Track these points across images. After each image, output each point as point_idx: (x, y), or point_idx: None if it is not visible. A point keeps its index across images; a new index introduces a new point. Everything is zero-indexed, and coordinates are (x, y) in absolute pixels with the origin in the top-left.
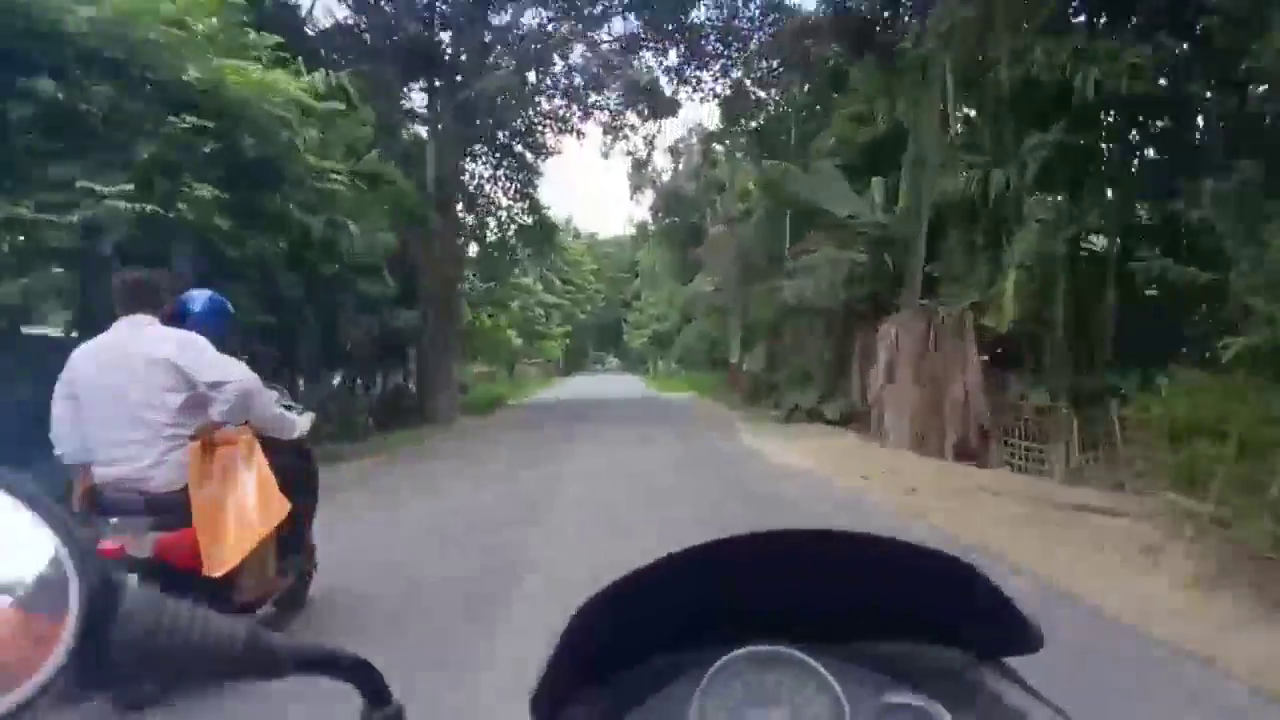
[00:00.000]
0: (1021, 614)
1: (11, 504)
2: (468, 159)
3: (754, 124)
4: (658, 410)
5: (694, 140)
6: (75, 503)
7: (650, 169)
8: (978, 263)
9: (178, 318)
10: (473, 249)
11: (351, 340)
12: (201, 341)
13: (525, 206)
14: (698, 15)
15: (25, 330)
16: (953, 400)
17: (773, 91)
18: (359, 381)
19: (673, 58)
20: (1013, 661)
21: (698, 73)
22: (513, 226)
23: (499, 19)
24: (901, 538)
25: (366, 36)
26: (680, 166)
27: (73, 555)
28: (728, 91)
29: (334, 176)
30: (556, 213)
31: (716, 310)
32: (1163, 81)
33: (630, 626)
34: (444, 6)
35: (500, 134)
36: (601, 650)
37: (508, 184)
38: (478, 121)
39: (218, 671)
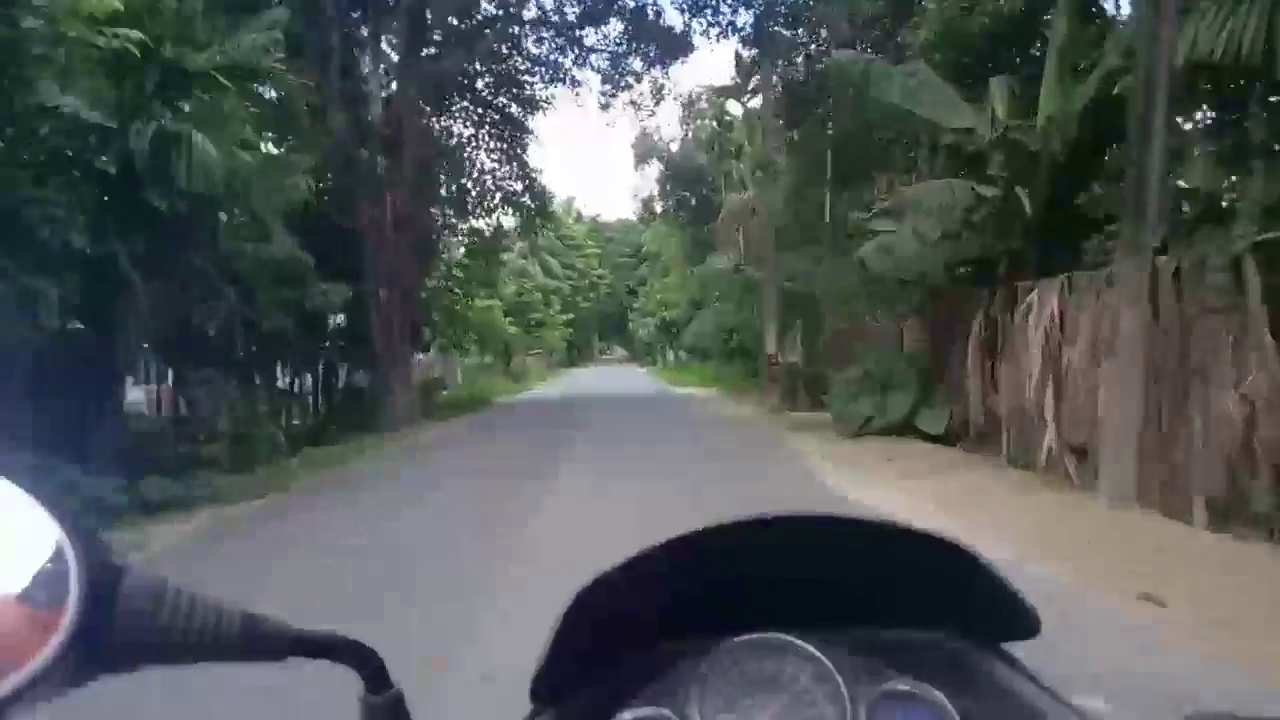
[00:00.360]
0: (1020, 600)
1: (11, 489)
2: (443, 115)
3: (780, 64)
4: (675, 415)
5: (705, 102)
6: None
7: (657, 134)
8: (1252, 176)
9: None
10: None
11: (213, 324)
12: None
13: (513, 170)
14: None
15: None
16: (1218, 418)
17: (800, 31)
18: (323, 381)
19: None
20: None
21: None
22: (498, 194)
23: None
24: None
25: None
26: (690, 134)
27: (73, 540)
28: (748, 28)
29: (118, 34)
30: (558, 192)
31: (741, 289)
32: None
33: (628, 613)
34: None
35: (480, 83)
36: (600, 636)
37: (492, 145)
38: (446, 60)
39: (217, 655)
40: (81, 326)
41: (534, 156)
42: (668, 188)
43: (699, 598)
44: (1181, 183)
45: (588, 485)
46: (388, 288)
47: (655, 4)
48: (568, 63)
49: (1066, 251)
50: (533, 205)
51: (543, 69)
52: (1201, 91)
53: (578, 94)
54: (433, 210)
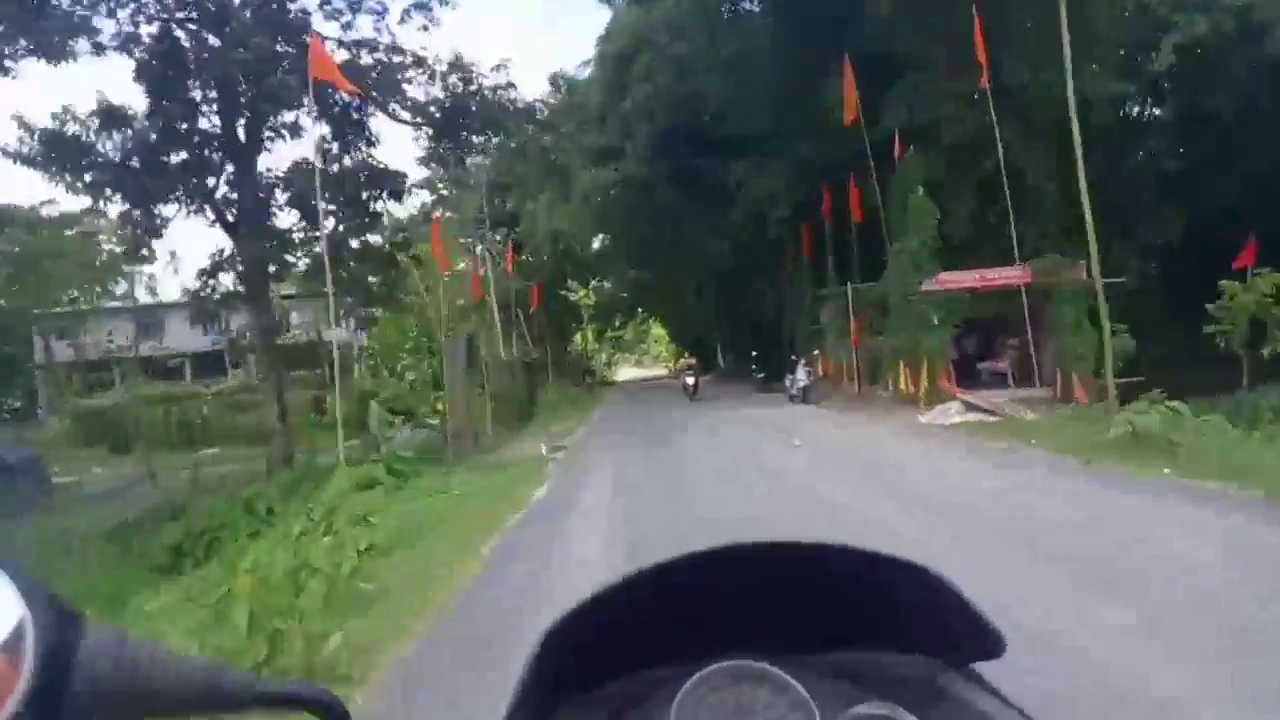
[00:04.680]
0: (984, 620)
1: None
2: None
3: None
4: None
5: None
6: None
7: None
8: None
9: None
10: None
11: None
12: None
13: None
14: None
15: None
16: None
17: None
18: None
19: None
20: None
21: None
22: None
23: None
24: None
25: None
26: None
27: (27, 596)
28: None
29: None
30: None
31: None
32: None
33: (603, 642)
34: None
35: None
36: (575, 666)
37: None
38: None
39: (180, 707)
40: None
41: None
42: None
43: (671, 627)
44: None
45: None
46: None
47: None
48: None
49: None
50: None
51: None
52: None
53: None
54: None
